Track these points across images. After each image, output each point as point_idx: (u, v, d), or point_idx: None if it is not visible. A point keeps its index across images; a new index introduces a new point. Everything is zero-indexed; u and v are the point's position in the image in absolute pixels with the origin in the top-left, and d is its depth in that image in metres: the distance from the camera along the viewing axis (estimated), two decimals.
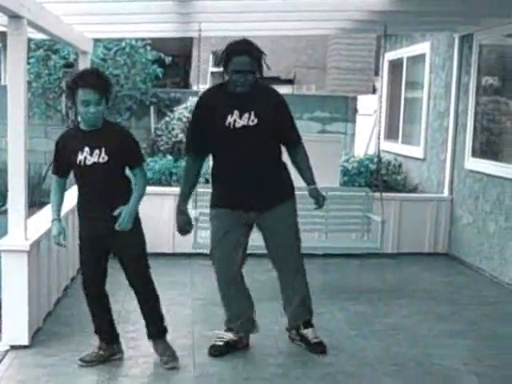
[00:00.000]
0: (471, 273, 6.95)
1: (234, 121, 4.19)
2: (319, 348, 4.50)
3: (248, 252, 4.55)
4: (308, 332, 4.54)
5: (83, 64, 6.93)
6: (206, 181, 8.25)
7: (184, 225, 4.46)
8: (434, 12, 6.20)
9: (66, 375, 4.05)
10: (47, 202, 6.49)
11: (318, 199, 4.53)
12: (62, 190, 4.22)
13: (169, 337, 4.37)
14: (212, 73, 15.28)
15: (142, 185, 4.09)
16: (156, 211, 6.92)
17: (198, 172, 4.49)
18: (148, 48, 10.50)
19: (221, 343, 4.46)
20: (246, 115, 4.19)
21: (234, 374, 4.17)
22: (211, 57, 15.03)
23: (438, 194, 8.01)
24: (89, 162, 3.92)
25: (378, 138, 6.85)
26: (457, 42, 7.63)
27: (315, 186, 4.53)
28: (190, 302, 5.60)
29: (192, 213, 5.93)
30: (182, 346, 4.56)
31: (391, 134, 10.07)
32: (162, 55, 10.70)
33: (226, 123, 4.19)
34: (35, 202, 8.90)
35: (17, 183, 4.39)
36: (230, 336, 4.48)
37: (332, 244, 6.53)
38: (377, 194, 6.41)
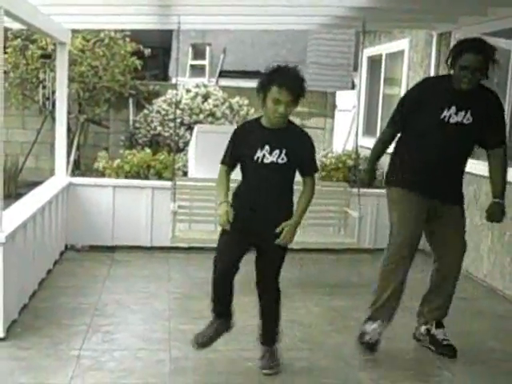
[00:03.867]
0: None
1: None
2: (450, 351, 4.54)
3: None
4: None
5: (61, 55, 6.88)
6: (184, 173, 8.24)
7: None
8: (412, 9, 6.24)
9: (42, 368, 4.03)
10: (23, 194, 6.46)
11: (494, 215, 4.53)
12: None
13: (144, 330, 4.36)
14: (191, 65, 15.24)
15: (309, 196, 4.00)
16: (133, 204, 6.90)
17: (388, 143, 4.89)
18: (127, 40, 10.43)
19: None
20: (462, 113, 4.28)
21: (210, 369, 4.17)
22: (190, 49, 14.98)
23: None
24: (267, 161, 3.84)
25: (356, 134, 6.89)
26: (435, 39, 7.69)
27: (498, 201, 4.48)
28: (167, 296, 5.60)
29: (171, 206, 5.95)
30: (157, 340, 4.57)
31: (369, 129, 10.12)
32: (142, 47, 10.63)
33: (442, 116, 4.29)
34: (11, 193, 8.82)
35: None
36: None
37: (309, 239, 6.55)
38: (354, 190, 6.44)
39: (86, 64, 9.94)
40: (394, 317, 4.58)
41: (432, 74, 7.72)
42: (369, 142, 9.90)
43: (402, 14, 6.56)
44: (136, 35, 10.39)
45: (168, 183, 6.43)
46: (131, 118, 11.06)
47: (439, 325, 4.65)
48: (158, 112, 10.26)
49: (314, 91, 12.97)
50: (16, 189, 9.44)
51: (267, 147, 3.84)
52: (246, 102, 10.48)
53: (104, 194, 6.95)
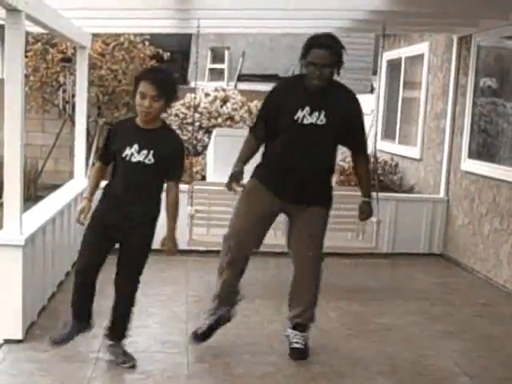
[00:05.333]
0: (466, 274, 6.97)
1: (304, 116, 4.19)
2: (294, 354, 4.44)
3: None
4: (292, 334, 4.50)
5: (81, 59, 6.92)
6: (202, 177, 8.26)
7: (235, 174, 4.35)
8: (432, 13, 6.21)
9: (60, 370, 4.04)
10: (43, 196, 6.50)
11: (365, 213, 4.63)
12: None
13: (161, 333, 4.36)
14: (210, 69, 15.27)
15: (174, 203, 4.06)
16: None
17: (254, 148, 4.49)
18: (146, 43, 10.48)
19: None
20: (316, 113, 4.19)
21: (227, 372, 4.17)
22: (209, 53, 15.01)
23: (433, 194, 8.02)
24: (135, 160, 3.90)
25: (375, 138, 6.86)
26: (455, 43, 7.64)
27: (368, 200, 4.61)
28: (185, 299, 5.60)
29: (187, 209, 5.95)
30: (175, 343, 4.57)
31: (388, 133, 10.08)
32: (161, 51, 10.67)
33: (295, 117, 4.20)
34: (31, 196, 8.88)
35: (13, 177, 4.37)
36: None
37: (327, 243, 6.51)
38: (373, 194, 6.39)
39: (105, 68, 10.00)
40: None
41: (452, 78, 7.67)
42: (388, 146, 9.88)
43: (422, 17, 6.54)
44: (155, 39, 10.44)
45: (186, 187, 6.44)
46: None
47: (297, 326, 4.50)
48: (177, 115, 10.29)
49: None
50: (35, 191, 9.51)
51: (136, 146, 3.90)
52: None
53: None
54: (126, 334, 4.20)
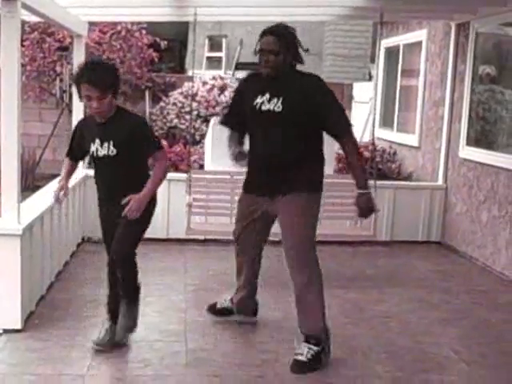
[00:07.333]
0: (464, 261, 6.98)
1: (262, 102, 4.14)
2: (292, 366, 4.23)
3: None
4: None
5: (78, 47, 6.89)
6: (200, 166, 8.25)
7: (234, 155, 4.42)
8: (430, 0, 6.18)
9: (59, 359, 4.05)
10: (41, 186, 6.49)
11: (363, 207, 4.18)
12: None
13: (160, 322, 4.37)
14: (208, 57, 15.22)
15: (158, 174, 4.05)
16: None
17: (236, 136, 4.49)
18: (144, 32, 10.43)
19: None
20: (275, 100, 4.10)
21: (226, 360, 4.18)
22: (207, 42, 14.96)
23: (432, 182, 8.02)
24: (101, 154, 3.98)
25: (373, 126, 6.85)
26: (453, 30, 7.61)
27: (364, 192, 4.15)
28: (183, 288, 5.61)
29: (186, 198, 5.95)
30: (173, 332, 4.58)
31: (386, 121, 10.06)
32: (158, 39, 10.63)
33: (254, 103, 4.16)
34: (29, 185, 8.88)
35: (10, 167, 4.37)
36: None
37: (325, 231, 6.53)
38: (371, 182, 6.37)
39: (104, 57, 9.95)
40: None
41: (450, 65, 7.65)
42: (386, 134, 9.87)
43: (421, 4, 6.51)
44: (152, 28, 10.40)
45: (184, 175, 6.44)
46: (147, 110, 11.08)
47: (304, 336, 4.21)
48: (175, 104, 10.26)
49: (330, 83, 12.92)
50: (33, 181, 9.50)
51: (98, 141, 3.99)
52: None
53: None
54: (132, 295, 4.16)
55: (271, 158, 4.17)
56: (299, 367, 4.05)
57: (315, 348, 4.10)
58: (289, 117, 4.10)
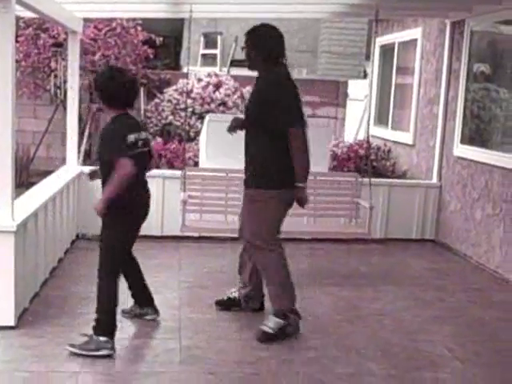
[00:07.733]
0: (458, 259, 6.99)
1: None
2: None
3: None
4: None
5: (73, 44, 6.87)
6: (195, 163, 8.23)
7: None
8: None
9: (53, 356, 4.04)
10: (35, 183, 6.47)
11: (299, 201, 4.49)
12: None
13: (156, 319, 4.37)
14: (203, 54, 15.19)
15: (113, 179, 4.03)
16: None
17: None
18: (139, 29, 10.40)
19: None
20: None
21: (220, 357, 4.18)
22: (202, 38, 14.93)
23: (426, 180, 8.03)
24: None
25: (368, 123, 6.86)
26: (448, 28, 7.62)
27: (300, 185, 4.41)
28: (177, 285, 5.60)
29: (181, 196, 5.94)
30: (168, 329, 4.57)
31: (381, 119, 10.07)
32: (153, 36, 10.60)
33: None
34: (23, 182, 8.84)
35: (4, 163, 4.34)
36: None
37: (320, 229, 6.54)
38: (366, 180, 6.41)
39: (99, 54, 9.92)
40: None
41: (445, 63, 7.66)
42: (381, 132, 9.87)
43: (416, 2, 6.51)
44: (147, 24, 10.35)
45: (178, 173, 6.43)
46: (142, 107, 11.04)
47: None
48: (170, 101, 10.24)
49: (325, 80, 12.92)
50: (27, 178, 9.45)
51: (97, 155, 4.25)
52: None
53: None
54: (97, 322, 4.15)
55: (245, 154, 4.58)
56: (259, 334, 4.43)
57: (279, 320, 4.44)
58: (247, 116, 4.58)
